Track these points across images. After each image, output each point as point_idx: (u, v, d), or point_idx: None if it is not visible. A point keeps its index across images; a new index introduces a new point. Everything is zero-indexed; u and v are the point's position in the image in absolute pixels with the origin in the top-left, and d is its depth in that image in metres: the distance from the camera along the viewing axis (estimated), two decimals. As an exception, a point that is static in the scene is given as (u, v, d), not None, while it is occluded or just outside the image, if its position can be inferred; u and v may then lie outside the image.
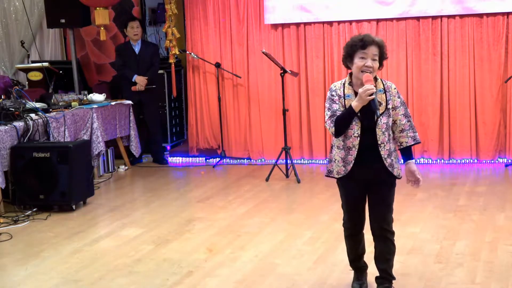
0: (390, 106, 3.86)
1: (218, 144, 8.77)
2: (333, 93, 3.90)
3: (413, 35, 7.89)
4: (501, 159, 7.84)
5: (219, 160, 8.55)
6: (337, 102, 3.87)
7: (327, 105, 3.92)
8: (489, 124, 7.82)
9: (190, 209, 6.51)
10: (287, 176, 7.52)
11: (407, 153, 3.96)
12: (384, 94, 3.86)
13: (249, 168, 8.29)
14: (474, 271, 4.46)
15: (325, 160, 8.32)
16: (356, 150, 3.84)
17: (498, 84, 7.73)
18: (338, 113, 3.83)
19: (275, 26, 8.34)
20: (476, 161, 7.88)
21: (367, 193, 3.98)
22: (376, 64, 3.81)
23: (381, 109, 3.82)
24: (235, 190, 7.14)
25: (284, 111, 7.59)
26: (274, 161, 7.77)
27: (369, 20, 8.00)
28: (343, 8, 8.02)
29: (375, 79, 3.86)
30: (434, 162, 7.95)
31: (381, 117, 3.81)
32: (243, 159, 8.65)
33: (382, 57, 3.85)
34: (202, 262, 4.89)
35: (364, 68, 3.78)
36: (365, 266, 4.26)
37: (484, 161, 7.86)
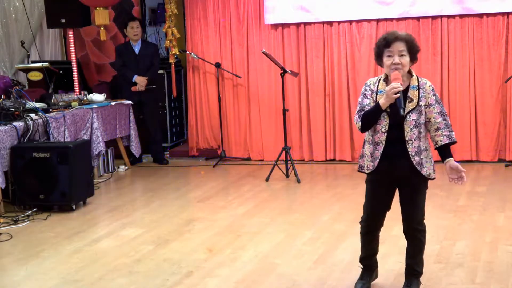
0: (422, 103, 3.82)
1: (218, 144, 8.77)
2: (367, 88, 3.91)
3: (413, 35, 7.79)
4: (501, 159, 7.83)
5: (219, 160, 8.55)
6: (369, 97, 3.88)
7: (359, 99, 3.93)
8: (489, 124, 7.82)
9: (190, 209, 6.51)
10: (287, 176, 7.52)
11: (444, 152, 3.90)
12: (418, 91, 3.82)
13: (249, 168, 8.29)
14: (474, 271, 4.46)
15: (325, 160, 8.33)
16: (383, 145, 3.83)
17: (498, 84, 7.73)
18: (367, 108, 3.84)
19: (275, 26, 8.34)
20: (476, 161, 7.87)
21: (398, 193, 3.97)
22: (405, 60, 3.78)
23: (412, 105, 3.80)
24: (235, 190, 7.14)
25: (284, 111, 7.59)
26: (274, 161, 7.77)
27: (369, 20, 8.00)
28: (343, 8, 8.02)
29: (411, 75, 3.85)
30: (434, 162, 7.92)
31: (410, 113, 3.79)
32: (243, 159, 8.65)
33: (413, 51, 3.82)
34: (202, 262, 4.89)
35: (392, 66, 3.77)
36: (374, 266, 4.24)
37: (484, 161, 7.85)
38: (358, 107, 3.90)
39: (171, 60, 8.75)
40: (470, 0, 7.60)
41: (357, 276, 4.26)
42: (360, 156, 4.05)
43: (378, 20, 7.99)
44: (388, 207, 4.02)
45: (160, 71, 9.00)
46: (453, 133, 3.90)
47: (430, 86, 3.87)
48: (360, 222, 4.13)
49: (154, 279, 4.58)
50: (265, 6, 8.28)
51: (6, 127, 6.48)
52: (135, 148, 8.53)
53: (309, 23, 8.22)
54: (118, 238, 5.59)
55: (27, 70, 9.05)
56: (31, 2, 9.52)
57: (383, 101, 3.77)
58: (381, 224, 4.09)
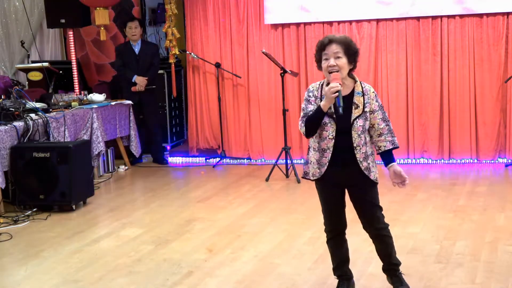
0: (367, 109, 3.82)
1: (218, 144, 8.78)
2: (310, 93, 3.88)
3: (413, 35, 7.88)
4: (501, 159, 7.84)
5: (219, 160, 8.55)
6: (313, 103, 3.84)
7: (302, 105, 3.90)
8: (489, 124, 7.81)
9: (190, 209, 6.51)
10: (287, 176, 7.52)
11: (387, 157, 3.90)
12: (362, 97, 3.82)
13: (249, 168, 8.29)
14: (474, 271, 4.46)
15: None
16: (331, 152, 3.80)
17: (498, 84, 7.73)
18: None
19: (275, 26, 8.34)
20: (476, 161, 7.88)
21: (350, 197, 3.95)
22: (341, 62, 3.76)
23: (358, 111, 3.79)
24: (235, 190, 7.14)
25: (284, 111, 7.59)
26: (274, 161, 7.77)
27: (369, 20, 8.00)
28: (343, 8, 8.02)
29: (354, 80, 3.85)
30: (434, 162, 7.95)
31: (357, 119, 3.78)
32: (243, 159, 8.66)
33: (350, 53, 3.80)
34: (202, 262, 4.89)
35: (329, 69, 3.76)
36: (350, 276, 4.13)
37: (484, 161, 7.86)
38: (302, 113, 3.84)
39: (171, 60, 8.75)
40: (470, 0, 7.60)
41: (357, 276, 4.26)
42: (304, 162, 4.02)
43: (378, 20, 7.99)
44: (344, 206, 3.98)
45: (160, 71, 9.00)
46: (396, 138, 3.92)
47: (373, 92, 3.87)
48: (325, 230, 4.10)
49: (154, 279, 4.59)
50: (265, 6, 8.28)
51: (6, 127, 6.48)
52: (135, 148, 8.54)
53: (309, 23, 8.22)
54: (118, 238, 5.59)
55: (27, 70, 9.05)
56: (31, 2, 9.52)
57: (323, 103, 3.73)
58: (345, 225, 4.03)
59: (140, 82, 8.47)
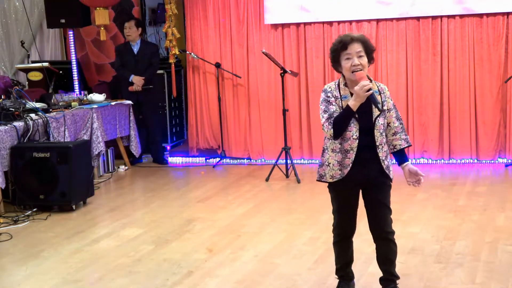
0: (385, 108, 3.83)
1: (218, 144, 8.78)
2: (329, 94, 3.84)
3: (413, 35, 7.88)
4: (501, 159, 7.84)
5: (219, 160, 8.55)
6: (333, 103, 3.80)
7: (322, 107, 3.84)
8: (489, 124, 7.82)
9: (190, 209, 6.51)
10: (287, 176, 7.52)
11: (401, 156, 3.90)
12: (380, 96, 3.82)
13: (249, 168, 8.29)
14: (474, 271, 4.46)
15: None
16: (355, 152, 3.77)
17: (498, 84, 7.73)
18: (336, 114, 3.77)
19: (275, 26, 8.34)
20: (476, 161, 7.88)
21: (364, 196, 3.91)
22: (364, 60, 3.74)
23: (378, 110, 3.77)
24: (235, 190, 7.13)
25: (284, 111, 7.59)
26: (274, 161, 7.77)
27: (369, 20, 8.00)
28: (343, 8, 8.02)
29: (369, 80, 3.80)
30: (434, 162, 7.95)
31: (378, 118, 3.77)
32: (243, 159, 8.66)
33: (368, 51, 3.79)
34: (202, 262, 4.89)
35: (352, 68, 3.73)
36: (351, 276, 4.13)
37: (484, 161, 7.86)
38: (325, 115, 3.78)
39: (171, 60, 8.75)
40: (470, 0, 7.60)
41: (357, 276, 4.26)
42: (319, 165, 3.97)
43: (378, 20, 7.99)
44: (357, 208, 3.94)
45: (160, 71, 9.00)
46: (408, 136, 3.93)
47: (387, 91, 3.88)
48: (333, 231, 4.03)
49: (154, 279, 4.59)
50: (265, 6, 8.28)
51: (6, 127, 6.48)
52: (135, 148, 8.54)
53: (309, 23, 8.22)
54: (118, 238, 5.59)
55: (27, 70, 9.05)
56: (31, 2, 9.52)
57: (353, 103, 3.69)
58: (354, 230, 3.99)
59: (137, 82, 8.46)
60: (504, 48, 7.65)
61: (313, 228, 5.60)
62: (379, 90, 3.83)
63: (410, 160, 3.98)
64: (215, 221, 5.98)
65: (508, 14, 7.59)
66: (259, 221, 5.92)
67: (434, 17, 7.81)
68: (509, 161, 7.76)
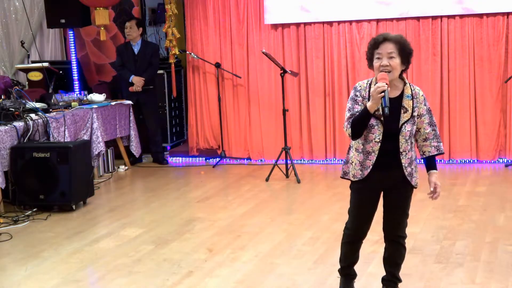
0: (415, 114, 3.69)
1: (218, 144, 8.77)
2: (357, 93, 3.74)
3: (413, 35, 7.88)
4: (501, 159, 7.84)
5: (219, 160, 8.55)
6: (360, 103, 3.71)
7: (349, 105, 3.76)
8: (489, 124, 7.82)
9: (190, 209, 6.51)
10: (287, 176, 7.52)
11: (430, 162, 3.82)
12: (412, 100, 3.68)
13: (249, 168, 8.29)
14: (474, 271, 4.46)
15: (325, 160, 8.33)
16: (376, 155, 3.69)
17: (498, 84, 7.73)
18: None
19: (275, 26, 8.34)
20: (476, 161, 7.88)
21: (384, 198, 3.84)
22: (394, 62, 3.61)
23: (407, 116, 3.66)
24: (235, 190, 7.14)
25: (284, 111, 7.59)
26: (274, 161, 7.77)
27: (369, 20, 8.00)
28: (343, 8, 8.02)
29: (404, 83, 3.71)
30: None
31: (405, 124, 3.66)
32: (243, 159, 8.65)
33: (404, 53, 3.65)
34: (202, 262, 4.89)
35: (381, 68, 3.62)
36: (354, 275, 4.12)
37: (484, 161, 7.86)
38: (348, 114, 3.72)
39: (171, 60, 8.75)
40: (470, 0, 7.60)
41: (357, 276, 4.26)
42: (344, 162, 3.92)
43: (378, 20, 8.00)
44: (373, 215, 3.88)
45: (160, 71, 9.00)
46: (441, 144, 3.83)
47: (422, 95, 3.75)
48: (344, 230, 3.97)
49: (154, 279, 4.58)
50: (265, 6, 8.28)
51: (6, 127, 6.48)
52: (135, 148, 8.53)
53: (309, 23, 8.22)
54: (118, 238, 5.59)
55: (27, 70, 9.05)
56: (31, 2, 9.52)
57: (370, 104, 3.59)
58: (366, 233, 3.94)
59: (137, 82, 8.46)
60: (504, 48, 7.65)
61: (313, 228, 5.60)
62: (412, 95, 3.70)
63: (438, 169, 3.87)
64: (215, 221, 5.98)
65: (508, 14, 7.59)
66: (259, 221, 5.92)
67: (434, 17, 7.81)
68: (509, 161, 7.76)
